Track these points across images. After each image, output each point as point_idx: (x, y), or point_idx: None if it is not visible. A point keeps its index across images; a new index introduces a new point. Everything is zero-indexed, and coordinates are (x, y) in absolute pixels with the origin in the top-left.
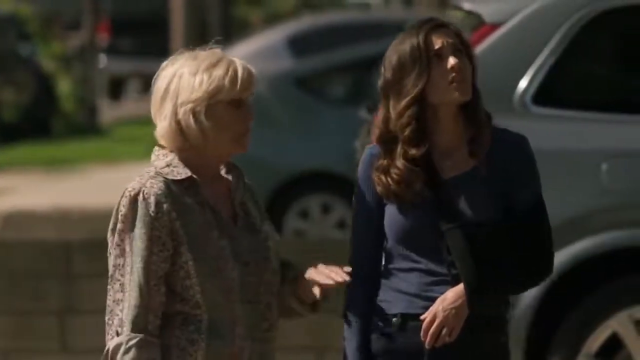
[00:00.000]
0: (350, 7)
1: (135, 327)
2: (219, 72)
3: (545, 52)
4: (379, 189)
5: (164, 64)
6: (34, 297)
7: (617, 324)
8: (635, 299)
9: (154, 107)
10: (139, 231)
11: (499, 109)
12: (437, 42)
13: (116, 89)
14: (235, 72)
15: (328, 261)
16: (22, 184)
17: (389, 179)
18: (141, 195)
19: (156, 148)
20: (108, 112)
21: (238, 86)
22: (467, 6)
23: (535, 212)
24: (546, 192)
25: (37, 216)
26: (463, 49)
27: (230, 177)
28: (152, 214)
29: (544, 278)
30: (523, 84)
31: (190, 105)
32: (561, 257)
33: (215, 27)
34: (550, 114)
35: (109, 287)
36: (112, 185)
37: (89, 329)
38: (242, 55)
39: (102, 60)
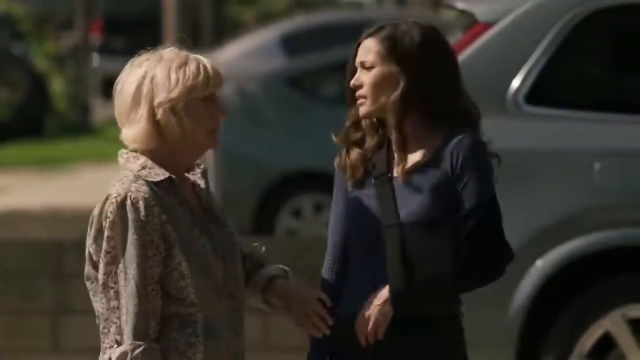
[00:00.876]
0: (343, 6)
1: (138, 335)
2: (191, 69)
3: (538, 51)
4: (336, 161)
5: (126, 69)
6: (26, 297)
7: (610, 323)
8: (628, 298)
9: (123, 112)
10: (132, 237)
11: (491, 108)
12: (357, 58)
13: (109, 88)
14: (206, 68)
15: (320, 260)
16: (15, 184)
17: (346, 153)
18: (129, 200)
19: (123, 151)
20: (101, 111)
21: (211, 81)
22: (460, 5)
23: (484, 213)
24: (539, 192)
25: (29, 215)
26: (391, 58)
27: (192, 176)
28: (144, 218)
29: (492, 278)
30: (516, 83)
31: (169, 104)
32: (553, 256)
33: (208, 26)
34: (543, 114)
35: (100, 295)
36: (104, 184)
37: (82, 328)
38: (235, 55)
39: (95, 59)
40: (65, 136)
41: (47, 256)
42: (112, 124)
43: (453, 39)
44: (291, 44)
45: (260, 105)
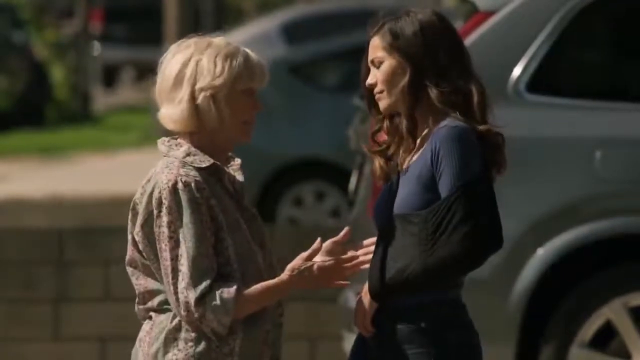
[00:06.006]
0: None
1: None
2: (239, 61)
3: (539, 39)
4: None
5: (172, 50)
6: (26, 285)
7: (611, 311)
8: (629, 286)
9: (163, 91)
10: (189, 217)
11: (492, 96)
12: (368, 58)
13: (110, 76)
14: (253, 62)
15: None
16: (16, 172)
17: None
18: (180, 184)
19: (164, 139)
20: (102, 100)
21: (256, 76)
22: None
23: (457, 204)
24: (541, 180)
25: (30, 204)
26: (394, 51)
27: (227, 168)
28: (198, 200)
29: (467, 269)
30: (517, 71)
31: (211, 91)
32: (555, 244)
33: (209, 14)
34: (544, 102)
35: (168, 279)
36: (105, 172)
37: (82, 316)
38: (236, 43)
39: (96, 48)
40: (66, 124)
41: (47, 244)
42: (113, 113)
43: None
44: (292, 32)
45: (261, 94)
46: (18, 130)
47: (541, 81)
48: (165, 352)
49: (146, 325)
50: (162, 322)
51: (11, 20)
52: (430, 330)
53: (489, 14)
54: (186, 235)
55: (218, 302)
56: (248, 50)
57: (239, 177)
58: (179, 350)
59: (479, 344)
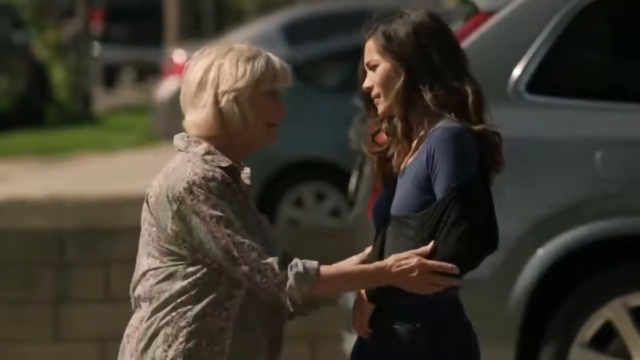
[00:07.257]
0: None
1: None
2: (260, 63)
3: (539, 40)
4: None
5: (195, 57)
6: (27, 286)
7: (611, 312)
8: (629, 286)
9: (187, 98)
10: (222, 202)
11: (492, 97)
12: (364, 61)
13: (110, 77)
14: (275, 64)
15: (322, 249)
16: (16, 173)
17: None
18: (208, 175)
19: (182, 134)
20: (102, 100)
21: (278, 77)
22: None
23: (451, 207)
24: (541, 181)
25: (30, 204)
26: (387, 53)
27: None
28: (224, 191)
29: (462, 271)
30: (517, 72)
31: (233, 94)
32: (555, 245)
33: (209, 15)
34: (544, 102)
35: (233, 253)
36: (105, 173)
37: (83, 317)
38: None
39: (96, 48)
40: (66, 125)
41: (47, 245)
42: (113, 113)
43: (454, 28)
44: (292, 33)
45: None
46: (18, 130)
47: (541, 81)
48: (155, 349)
49: (134, 321)
50: (151, 318)
51: (11, 20)
52: (427, 331)
53: (490, 14)
54: (230, 222)
55: (301, 269)
56: (270, 54)
57: (247, 181)
58: (168, 346)
59: (477, 345)
